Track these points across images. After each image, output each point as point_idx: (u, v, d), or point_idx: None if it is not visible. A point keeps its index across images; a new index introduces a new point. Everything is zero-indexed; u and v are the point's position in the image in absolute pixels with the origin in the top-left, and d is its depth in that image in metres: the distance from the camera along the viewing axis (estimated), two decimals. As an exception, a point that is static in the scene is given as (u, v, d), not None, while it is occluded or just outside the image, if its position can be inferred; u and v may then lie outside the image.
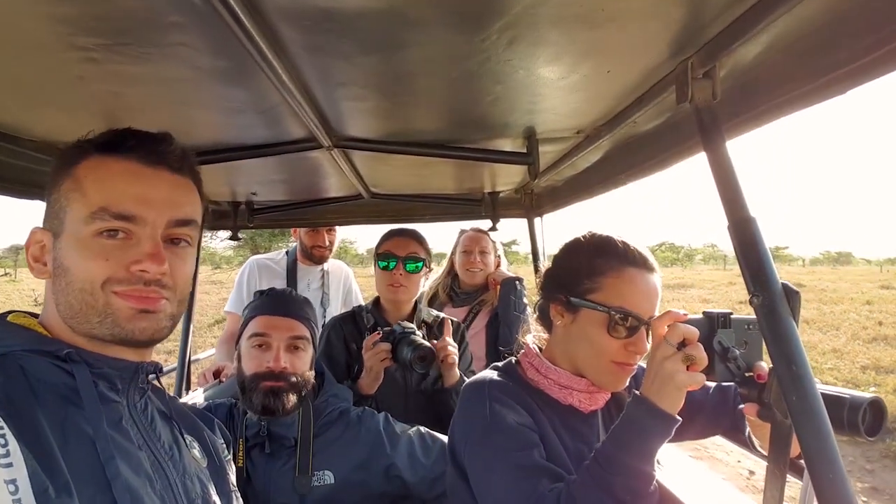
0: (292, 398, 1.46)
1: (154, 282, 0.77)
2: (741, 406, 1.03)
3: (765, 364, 0.96)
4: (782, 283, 0.77)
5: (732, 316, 0.99)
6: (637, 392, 0.97)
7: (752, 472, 4.99)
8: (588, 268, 1.14)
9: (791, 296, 0.76)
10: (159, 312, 0.78)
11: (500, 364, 1.29)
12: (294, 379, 1.47)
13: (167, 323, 0.80)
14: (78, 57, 0.78)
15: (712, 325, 0.97)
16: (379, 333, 1.78)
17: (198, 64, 0.83)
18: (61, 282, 0.76)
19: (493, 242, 2.63)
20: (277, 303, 1.57)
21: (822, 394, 0.74)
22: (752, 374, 0.97)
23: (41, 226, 0.80)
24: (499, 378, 1.20)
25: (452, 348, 1.81)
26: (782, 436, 0.87)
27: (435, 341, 1.78)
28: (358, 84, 0.95)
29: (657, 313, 1.11)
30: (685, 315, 0.97)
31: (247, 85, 0.93)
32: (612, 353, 1.10)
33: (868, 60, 0.67)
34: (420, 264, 1.93)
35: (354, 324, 1.99)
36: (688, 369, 0.92)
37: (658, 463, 0.97)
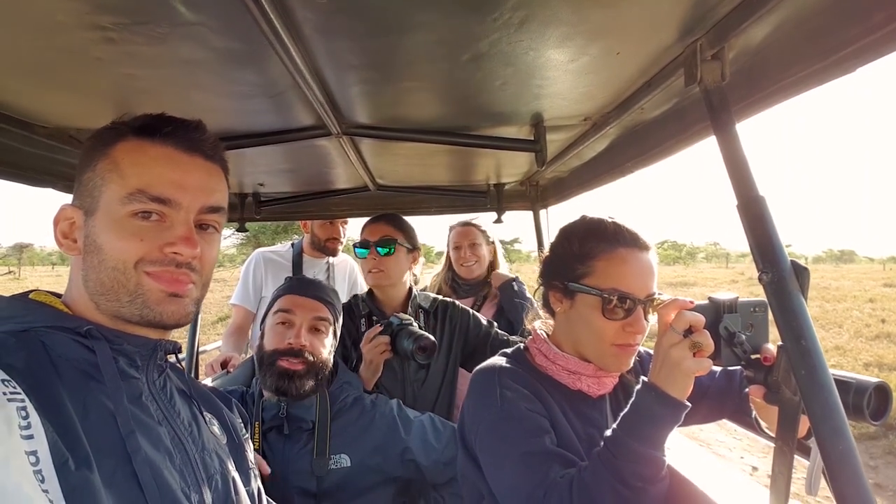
0: (308, 382, 1.48)
1: (185, 265, 0.79)
2: (747, 389, 1.03)
3: (771, 346, 0.97)
4: (791, 261, 0.77)
5: (739, 300, 0.99)
6: (645, 379, 0.98)
7: (755, 468, 4.99)
8: (580, 252, 1.15)
9: (800, 272, 0.77)
10: (186, 297, 0.80)
11: (508, 350, 1.30)
12: (312, 359, 1.49)
13: (192, 308, 0.82)
14: (97, 37, 0.79)
15: (718, 310, 0.98)
16: (379, 326, 1.78)
17: (212, 45, 0.83)
18: (93, 259, 0.77)
19: (484, 233, 2.57)
20: (306, 285, 1.63)
21: None
22: (758, 356, 0.97)
23: (71, 203, 0.82)
24: (508, 365, 1.20)
25: None
26: (790, 413, 0.87)
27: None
28: (369, 67, 0.96)
29: (655, 290, 1.12)
30: (691, 303, 0.97)
31: (259, 67, 0.94)
32: (612, 335, 1.11)
33: (878, 37, 0.67)
34: (391, 247, 1.87)
35: (349, 313, 1.98)
36: (694, 356, 0.92)
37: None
